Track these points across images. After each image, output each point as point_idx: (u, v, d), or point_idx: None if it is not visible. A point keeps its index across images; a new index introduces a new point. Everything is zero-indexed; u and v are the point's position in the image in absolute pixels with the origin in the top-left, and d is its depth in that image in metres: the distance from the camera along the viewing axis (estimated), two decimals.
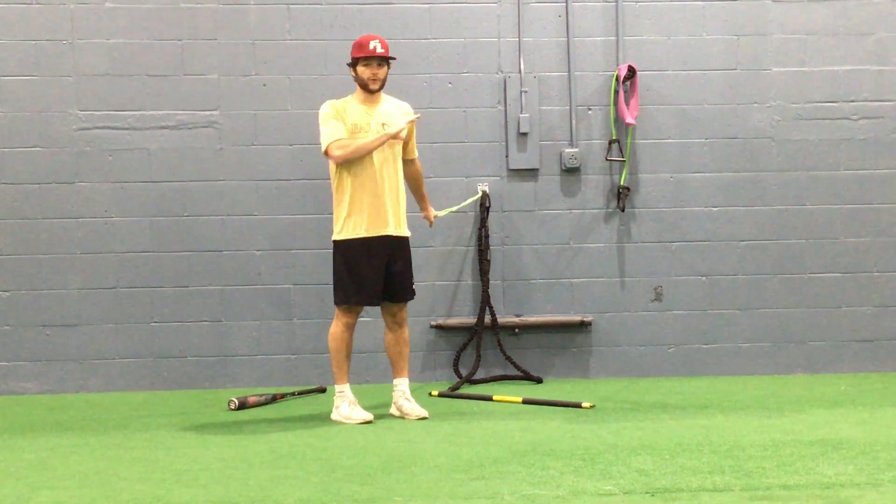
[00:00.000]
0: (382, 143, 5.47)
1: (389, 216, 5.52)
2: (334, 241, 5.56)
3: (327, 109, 5.55)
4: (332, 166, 5.55)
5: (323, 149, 5.50)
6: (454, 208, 6.66)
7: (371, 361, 6.82)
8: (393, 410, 5.72)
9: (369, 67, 5.52)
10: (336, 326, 5.59)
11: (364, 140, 5.46)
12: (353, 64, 5.57)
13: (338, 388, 5.60)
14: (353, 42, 5.63)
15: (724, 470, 4.11)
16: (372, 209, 5.48)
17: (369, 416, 5.51)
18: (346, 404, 5.55)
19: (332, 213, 5.63)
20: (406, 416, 5.60)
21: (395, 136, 5.51)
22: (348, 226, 5.49)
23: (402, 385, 5.71)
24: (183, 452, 4.74)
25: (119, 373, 6.76)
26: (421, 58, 6.90)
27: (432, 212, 6.07)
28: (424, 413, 5.58)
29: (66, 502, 3.81)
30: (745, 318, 7.02)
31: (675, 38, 7.01)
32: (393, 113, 5.62)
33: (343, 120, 5.51)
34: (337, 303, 5.58)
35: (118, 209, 6.76)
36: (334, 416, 5.58)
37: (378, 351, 6.66)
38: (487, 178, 6.92)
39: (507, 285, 6.95)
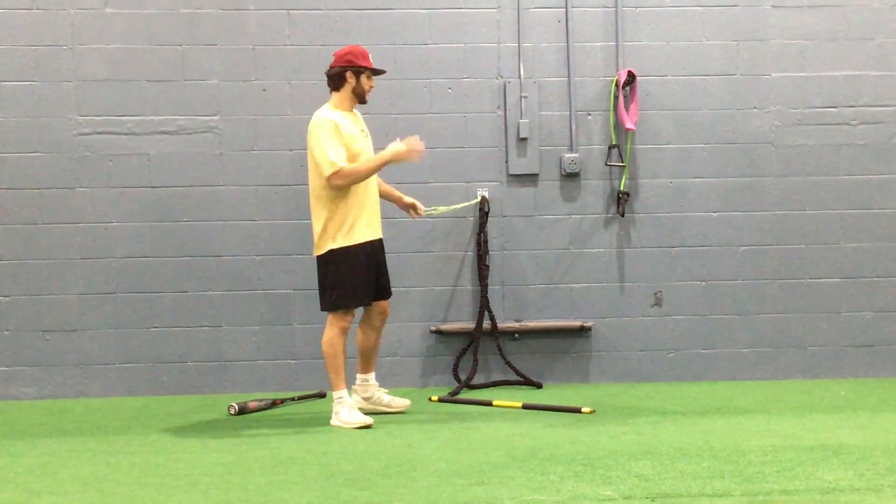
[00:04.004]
0: (380, 168, 5.60)
1: (378, 219, 5.74)
2: (333, 250, 5.52)
3: (329, 126, 5.49)
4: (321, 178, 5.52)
5: (328, 173, 5.43)
6: (450, 207, 6.67)
7: None
8: (369, 406, 5.75)
9: (370, 80, 5.69)
10: (332, 332, 5.59)
11: (363, 167, 5.50)
12: (358, 72, 5.60)
13: (336, 393, 5.60)
14: (349, 49, 5.73)
15: (724, 475, 4.12)
16: (368, 214, 5.62)
17: (369, 420, 5.52)
18: (345, 409, 5.55)
19: None
20: (392, 409, 5.74)
21: (396, 160, 5.60)
22: (352, 232, 5.53)
23: (373, 379, 5.85)
24: (182, 457, 4.74)
25: (119, 378, 6.76)
26: (421, 63, 6.91)
27: (408, 198, 6.07)
28: (407, 402, 5.90)
29: None
30: (744, 323, 7.02)
31: (675, 44, 7.02)
32: (362, 119, 5.84)
33: (341, 137, 5.51)
34: (334, 308, 5.57)
35: (118, 214, 6.76)
36: (334, 421, 5.58)
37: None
38: (487, 183, 6.92)
39: (506, 290, 6.95)
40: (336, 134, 5.48)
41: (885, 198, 7.06)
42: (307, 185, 6.70)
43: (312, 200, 5.61)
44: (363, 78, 5.62)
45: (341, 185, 5.46)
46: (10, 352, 6.71)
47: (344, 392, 5.60)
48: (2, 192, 6.71)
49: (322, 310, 5.70)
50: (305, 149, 6.66)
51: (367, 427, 5.46)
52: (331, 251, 5.54)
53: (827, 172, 7.04)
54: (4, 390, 6.70)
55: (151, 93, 6.78)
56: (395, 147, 5.57)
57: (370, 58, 5.71)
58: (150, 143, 6.78)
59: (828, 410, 5.78)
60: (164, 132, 6.79)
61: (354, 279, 5.55)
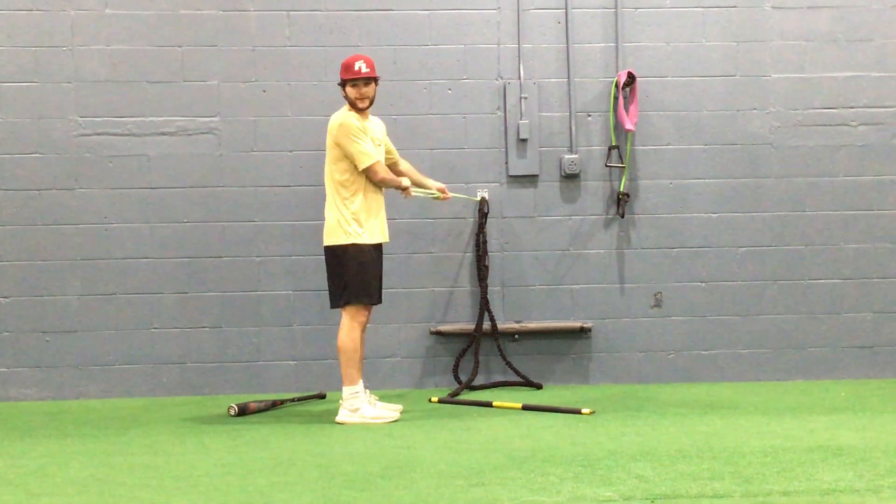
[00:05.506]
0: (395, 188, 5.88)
1: (386, 224, 5.89)
2: (352, 245, 5.64)
3: (357, 125, 5.67)
4: (345, 171, 5.67)
5: (365, 164, 5.63)
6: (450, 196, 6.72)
7: (369, 367, 6.80)
8: (354, 418, 5.71)
9: (356, 88, 5.75)
10: (353, 328, 5.69)
11: (392, 179, 5.79)
12: (343, 84, 5.77)
13: (352, 389, 5.67)
14: (346, 57, 5.85)
15: (724, 476, 4.12)
16: (380, 217, 5.80)
17: (396, 414, 5.75)
18: (366, 406, 5.66)
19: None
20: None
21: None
22: (367, 231, 5.69)
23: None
24: (183, 459, 4.74)
25: (119, 379, 6.75)
26: (421, 64, 6.91)
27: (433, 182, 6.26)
28: (400, 407, 5.95)
29: None
30: (744, 324, 7.02)
31: (675, 45, 7.02)
32: (376, 128, 5.91)
33: (368, 136, 5.73)
34: (355, 302, 5.68)
35: (118, 215, 6.76)
36: (348, 418, 5.60)
37: (375, 357, 6.71)
38: (487, 184, 6.93)
39: (506, 291, 6.95)
40: (364, 132, 5.68)
41: (884, 199, 7.06)
42: (307, 186, 6.77)
43: (332, 192, 5.72)
44: (347, 88, 5.75)
45: (382, 180, 5.72)
46: (10, 353, 6.70)
47: (359, 387, 5.65)
48: (1, 193, 6.71)
49: (335, 307, 5.78)
50: (305, 150, 6.71)
51: (396, 421, 5.67)
52: (353, 244, 5.65)
53: (827, 173, 7.04)
54: (4, 391, 6.70)
55: (151, 94, 6.78)
56: (407, 183, 5.87)
57: (355, 66, 5.71)
58: (150, 145, 6.78)
59: (828, 411, 5.78)
60: (163, 133, 6.79)
61: (371, 276, 5.71)
